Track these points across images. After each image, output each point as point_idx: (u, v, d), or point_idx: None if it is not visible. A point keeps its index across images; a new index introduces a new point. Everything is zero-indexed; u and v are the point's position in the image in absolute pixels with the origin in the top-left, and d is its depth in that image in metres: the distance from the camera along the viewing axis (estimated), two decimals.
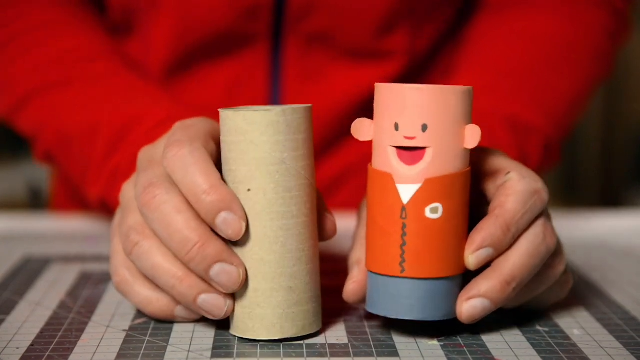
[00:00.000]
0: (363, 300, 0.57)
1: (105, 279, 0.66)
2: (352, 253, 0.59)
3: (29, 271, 0.69)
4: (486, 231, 0.54)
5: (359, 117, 0.56)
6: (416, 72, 0.85)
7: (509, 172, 0.56)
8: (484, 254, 0.54)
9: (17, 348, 0.53)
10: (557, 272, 0.57)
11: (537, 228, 0.55)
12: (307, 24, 0.79)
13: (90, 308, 0.60)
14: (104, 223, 0.83)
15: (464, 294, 0.54)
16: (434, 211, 0.53)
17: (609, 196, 2.59)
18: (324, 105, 0.82)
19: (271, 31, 0.80)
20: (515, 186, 0.55)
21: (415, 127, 0.53)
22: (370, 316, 0.58)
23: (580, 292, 0.64)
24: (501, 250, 0.54)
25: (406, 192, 0.53)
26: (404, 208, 0.53)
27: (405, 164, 0.53)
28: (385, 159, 0.54)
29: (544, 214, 0.56)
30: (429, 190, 0.53)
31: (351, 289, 0.57)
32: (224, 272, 0.53)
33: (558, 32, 0.83)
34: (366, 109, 0.63)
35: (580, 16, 0.83)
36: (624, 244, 0.78)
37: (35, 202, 1.85)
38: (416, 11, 0.81)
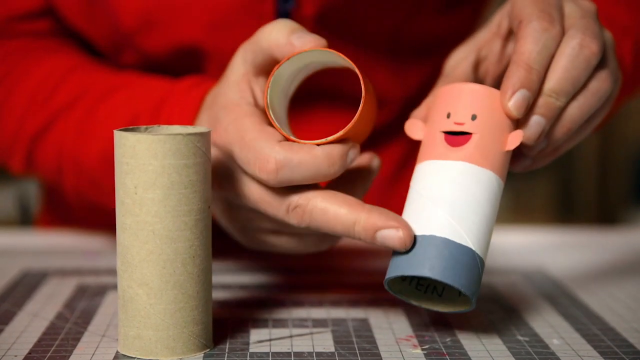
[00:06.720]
0: None
1: (101, 291, 0.68)
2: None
3: (27, 284, 0.71)
4: (511, 77, 0.57)
5: None
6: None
7: (520, 21, 0.58)
8: (519, 96, 0.57)
9: (16, 356, 0.55)
10: (605, 87, 0.59)
11: (573, 41, 0.57)
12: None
13: (86, 319, 0.62)
14: (99, 238, 0.85)
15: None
16: None
17: (605, 214, 2.60)
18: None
19: None
20: (525, 27, 0.57)
21: (466, 115, 0.57)
22: (358, 327, 0.60)
23: (560, 303, 0.66)
24: (533, 88, 0.57)
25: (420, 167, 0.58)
26: None
27: (451, 145, 0.57)
28: (433, 145, 0.57)
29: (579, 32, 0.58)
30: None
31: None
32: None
33: None
34: None
35: None
36: (611, 259, 0.80)
37: (24, 219, 1.86)
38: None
